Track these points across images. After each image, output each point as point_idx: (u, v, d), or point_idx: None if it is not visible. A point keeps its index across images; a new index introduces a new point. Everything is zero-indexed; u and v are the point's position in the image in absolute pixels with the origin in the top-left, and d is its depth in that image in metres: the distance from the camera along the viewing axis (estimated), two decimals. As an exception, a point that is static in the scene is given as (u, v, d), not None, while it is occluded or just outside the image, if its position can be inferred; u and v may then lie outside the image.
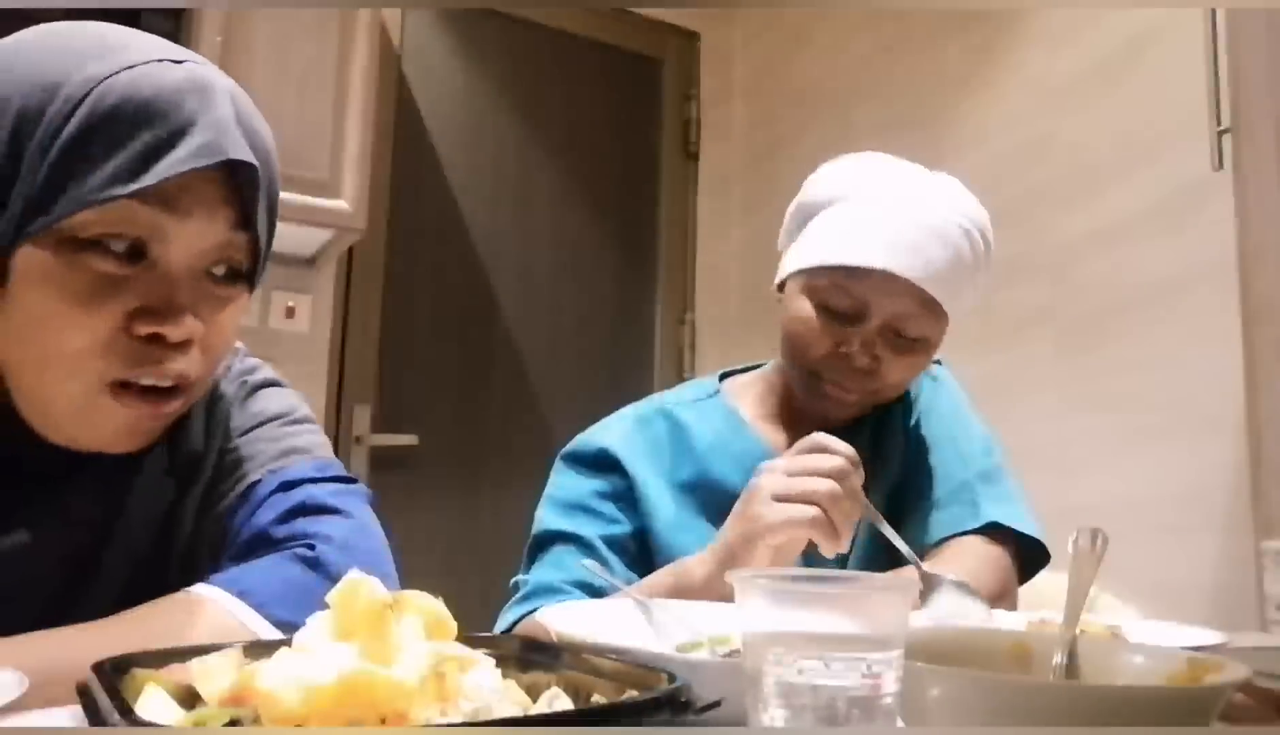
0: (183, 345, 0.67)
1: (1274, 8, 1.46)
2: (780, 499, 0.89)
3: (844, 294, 1.06)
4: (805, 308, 1.09)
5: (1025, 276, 2.18)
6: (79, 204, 0.62)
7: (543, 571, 1.09)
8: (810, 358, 1.09)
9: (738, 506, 0.94)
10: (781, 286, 1.16)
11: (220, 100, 0.67)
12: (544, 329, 3.02)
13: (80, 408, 0.66)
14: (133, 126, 0.63)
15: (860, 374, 1.08)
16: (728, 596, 0.90)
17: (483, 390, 2.91)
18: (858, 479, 0.90)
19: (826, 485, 0.88)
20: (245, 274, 0.73)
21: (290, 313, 2.58)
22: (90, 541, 0.73)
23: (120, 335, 0.65)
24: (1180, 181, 1.88)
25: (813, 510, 0.87)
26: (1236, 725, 0.57)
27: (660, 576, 0.98)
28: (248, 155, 0.67)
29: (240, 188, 0.69)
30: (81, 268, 0.64)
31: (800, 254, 1.11)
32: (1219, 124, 1.58)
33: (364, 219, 2.37)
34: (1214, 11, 1.63)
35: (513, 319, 2.98)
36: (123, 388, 0.66)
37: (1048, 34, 2.23)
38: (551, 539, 1.11)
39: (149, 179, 0.62)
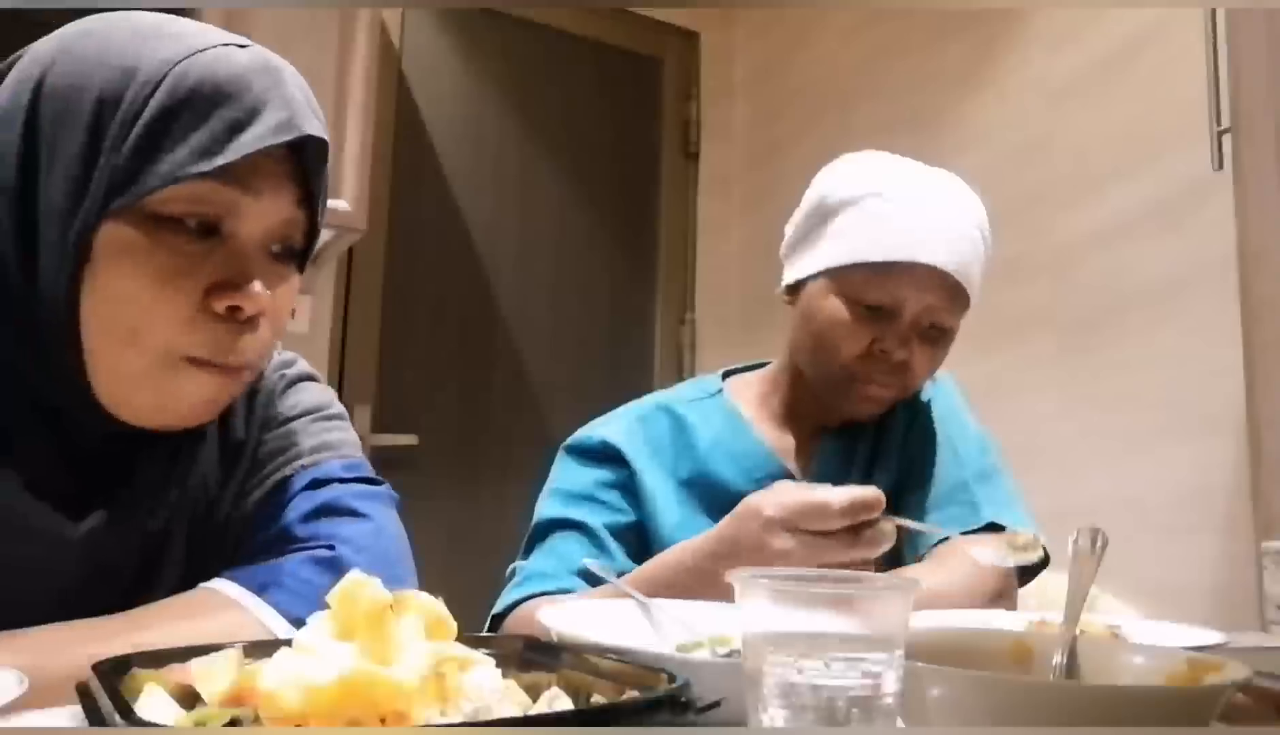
0: (254, 320, 0.69)
1: (1274, 7, 1.46)
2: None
3: (879, 290, 1.06)
4: (836, 306, 1.08)
5: (1025, 276, 2.18)
6: (163, 180, 0.64)
7: (541, 558, 1.09)
8: (843, 357, 1.09)
9: (736, 551, 0.87)
10: (794, 290, 1.16)
11: (288, 80, 0.70)
12: (544, 329, 3.02)
13: (157, 381, 0.67)
14: (210, 106, 0.65)
15: (896, 369, 1.08)
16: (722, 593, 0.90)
17: (483, 390, 2.91)
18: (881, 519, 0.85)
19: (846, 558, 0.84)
20: (299, 253, 0.75)
21: (290, 313, 2.57)
22: (162, 526, 0.75)
23: (199, 313, 0.67)
24: (1180, 181, 1.88)
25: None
26: (1236, 725, 0.57)
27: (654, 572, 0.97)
28: (320, 131, 0.70)
29: (305, 166, 0.71)
30: (163, 245, 0.65)
31: (828, 253, 1.10)
32: (1219, 124, 1.58)
33: (364, 219, 2.37)
34: (1214, 11, 1.63)
35: (513, 319, 2.98)
36: (199, 362, 0.68)
37: (1048, 34, 2.23)
38: (552, 527, 1.11)
39: (231, 154, 0.65)
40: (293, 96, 0.69)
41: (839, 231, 1.09)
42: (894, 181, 1.08)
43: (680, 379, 3.08)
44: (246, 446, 0.81)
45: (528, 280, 3.02)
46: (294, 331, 2.56)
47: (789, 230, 1.18)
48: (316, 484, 0.78)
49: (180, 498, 0.75)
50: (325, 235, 2.42)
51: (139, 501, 0.73)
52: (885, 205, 1.07)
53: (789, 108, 3.09)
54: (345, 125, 2.34)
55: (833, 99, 2.89)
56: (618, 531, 1.10)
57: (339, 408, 0.88)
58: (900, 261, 1.04)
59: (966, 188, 1.11)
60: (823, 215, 1.12)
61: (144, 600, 0.68)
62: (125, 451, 0.72)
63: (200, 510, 0.77)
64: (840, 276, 1.08)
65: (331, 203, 2.31)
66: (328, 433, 0.83)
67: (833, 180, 1.12)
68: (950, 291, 1.06)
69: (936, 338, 1.10)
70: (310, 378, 0.88)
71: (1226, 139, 1.56)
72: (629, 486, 1.13)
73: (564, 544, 1.09)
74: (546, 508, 1.13)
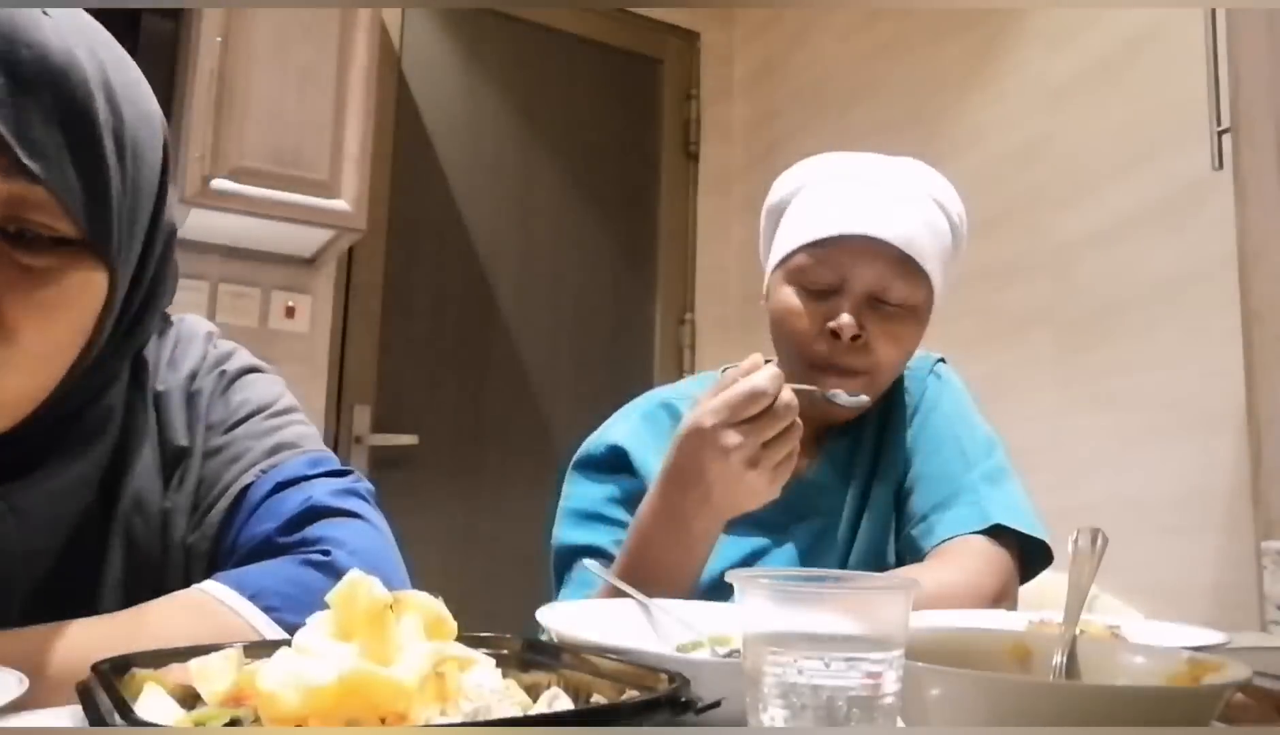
0: None
1: (1274, 7, 1.45)
2: (754, 464, 0.88)
3: (822, 268, 1.07)
4: (787, 293, 1.10)
5: (1025, 276, 2.18)
6: None
7: (568, 595, 1.09)
8: (800, 343, 1.08)
9: (698, 474, 0.91)
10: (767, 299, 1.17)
11: None
12: (544, 329, 3.02)
13: None
14: None
15: (856, 349, 1.06)
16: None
17: (483, 390, 2.91)
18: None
19: (793, 443, 0.90)
20: (79, 240, 0.61)
21: (290, 313, 2.58)
22: (75, 544, 0.71)
23: None
24: (1180, 181, 1.88)
25: (790, 469, 0.91)
26: (1236, 725, 0.57)
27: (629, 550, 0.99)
28: None
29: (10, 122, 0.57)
30: None
31: (776, 249, 1.13)
32: (1219, 124, 1.58)
33: (364, 219, 2.37)
34: (1214, 11, 1.63)
35: (513, 319, 2.98)
36: None
37: (1048, 34, 2.23)
38: (571, 555, 1.12)
39: None
40: None
41: (784, 226, 1.13)
42: (833, 169, 1.12)
43: (680, 379, 3.09)
44: (193, 454, 0.76)
45: (528, 280, 3.02)
46: (294, 331, 2.57)
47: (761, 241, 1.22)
48: (283, 486, 0.74)
49: (110, 506, 0.71)
50: (325, 235, 2.42)
51: (54, 503, 0.69)
52: (823, 189, 1.10)
53: (788, 108, 3.09)
54: (345, 125, 2.35)
55: (832, 99, 2.89)
56: None
57: (290, 399, 0.83)
58: (836, 236, 1.06)
59: (926, 169, 1.13)
60: (774, 219, 1.17)
61: (72, 602, 0.64)
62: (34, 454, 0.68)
63: (146, 526, 0.73)
64: (786, 265, 1.11)
65: (331, 203, 2.31)
66: (283, 430, 0.79)
67: (779, 184, 1.17)
68: (896, 262, 1.06)
69: (895, 314, 1.08)
70: (253, 370, 0.83)
71: (1226, 139, 1.56)
72: (637, 499, 1.13)
73: (586, 575, 1.08)
74: (562, 531, 1.14)
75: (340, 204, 2.33)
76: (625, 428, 1.18)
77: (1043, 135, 2.21)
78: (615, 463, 1.15)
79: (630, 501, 1.13)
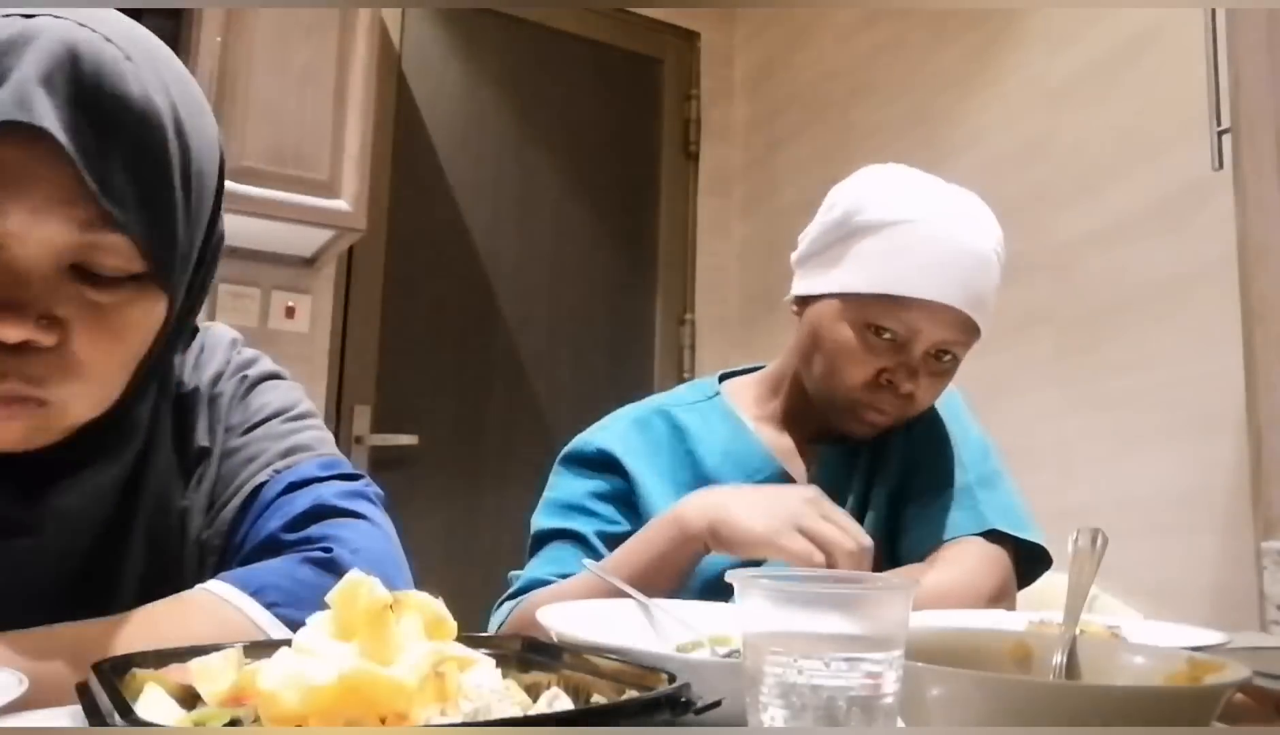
0: (23, 349, 0.59)
1: (1274, 7, 1.45)
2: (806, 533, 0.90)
3: (894, 321, 1.05)
4: (847, 333, 1.07)
5: (1025, 276, 2.18)
6: None
7: (536, 567, 1.10)
8: (849, 383, 1.08)
9: (769, 502, 0.93)
10: (802, 301, 1.14)
11: (34, 55, 0.56)
12: (544, 329, 3.02)
13: None
14: None
15: (901, 398, 1.08)
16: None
17: (482, 390, 2.91)
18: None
19: (850, 545, 0.89)
20: (147, 275, 0.63)
21: (290, 313, 2.58)
22: (99, 544, 0.72)
23: None
24: (1180, 181, 1.88)
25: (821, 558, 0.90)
26: (1236, 725, 0.57)
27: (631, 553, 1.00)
28: (41, 119, 0.55)
29: (100, 174, 0.58)
30: None
31: (845, 277, 1.08)
32: (1219, 124, 1.58)
33: (364, 219, 2.37)
34: (1214, 11, 1.63)
35: (513, 319, 2.98)
36: None
37: (1048, 34, 2.23)
38: (547, 537, 1.12)
39: None
40: (25, 77, 0.55)
41: (859, 257, 1.07)
42: (920, 209, 1.06)
43: (680, 379, 3.09)
44: (212, 454, 0.78)
45: (527, 280, 3.02)
46: (294, 331, 2.57)
47: (803, 240, 1.15)
48: (294, 487, 0.76)
49: (129, 516, 0.72)
50: (325, 235, 2.42)
51: (68, 520, 0.70)
52: (909, 236, 1.05)
53: (789, 108, 3.09)
54: (345, 125, 2.35)
55: (832, 99, 2.89)
56: (612, 540, 1.10)
57: (307, 406, 0.85)
58: (921, 299, 1.04)
59: (985, 211, 1.09)
60: (843, 235, 1.09)
61: (89, 616, 0.65)
62: (47, 471, 0.68)
63: (165, 525, 0.75)
64: (855, 303, 1.07)
65: (331, 203, 2.31)
66: (299, 433, 0.81)
67: (857, 199, 1.09)
68: (964, 325, 1.07)
69: (944, 368, 1.09)
70: (274, 376, 0.85)
71: (1226, 139, 1.56)
72: (624, 498, 1.13)
73: (558, 551, 1.10)
74: (541, 519, 1.14)
75: (340, 204, 2.33)
76: (615, 432, 1.17)
77: (1043, 135, 2.21)
78: (603, 463, 1.15)
79: (616, 498, 1.13)
